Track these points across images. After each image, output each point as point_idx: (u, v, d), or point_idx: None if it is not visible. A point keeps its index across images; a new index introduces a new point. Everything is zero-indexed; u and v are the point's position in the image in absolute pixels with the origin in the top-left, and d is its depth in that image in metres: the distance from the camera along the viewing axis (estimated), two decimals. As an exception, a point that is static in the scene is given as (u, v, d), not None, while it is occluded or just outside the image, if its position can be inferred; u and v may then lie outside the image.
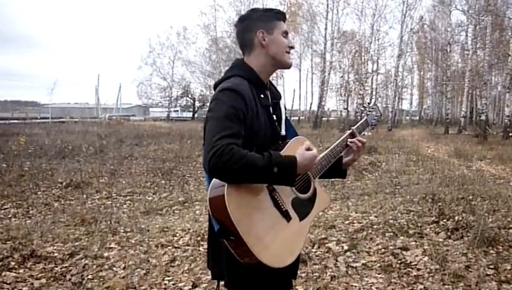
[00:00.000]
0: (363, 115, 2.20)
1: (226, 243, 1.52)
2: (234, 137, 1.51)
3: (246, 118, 1.60)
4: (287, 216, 1.61)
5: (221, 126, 1.52)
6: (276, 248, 1.55)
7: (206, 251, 4.07)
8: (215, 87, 1.71)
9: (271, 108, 1.76)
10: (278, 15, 1.78)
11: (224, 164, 1.43)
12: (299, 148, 1.65)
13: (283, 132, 1.81)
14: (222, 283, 1.74)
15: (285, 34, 1.78)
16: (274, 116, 1.77)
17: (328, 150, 1.89)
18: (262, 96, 1.73)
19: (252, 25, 1.75)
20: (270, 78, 1.85)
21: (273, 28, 1.74)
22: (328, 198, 1.93)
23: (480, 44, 25.49)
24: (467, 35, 26.68)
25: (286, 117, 1.87)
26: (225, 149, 1.44)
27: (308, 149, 1.65)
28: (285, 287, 1.76)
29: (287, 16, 1.91)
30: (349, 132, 2.00)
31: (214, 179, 1.51)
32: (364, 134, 2.16)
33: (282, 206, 1.61)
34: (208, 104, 1.47)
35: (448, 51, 29.10)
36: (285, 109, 1.92)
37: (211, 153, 1.46)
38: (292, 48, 1.80)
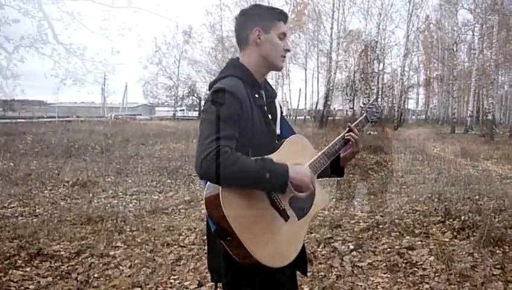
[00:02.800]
0: (362, 112, 2.15)
1: (224, 245, 1.48)
2: (227, 139, 1.47)
3: (241, 120, 1.56)
4: (284, 215, 1.58)
5: (215, 128, 1.48)
6: (274, 248, 1.52)
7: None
8: (210, 87, 1.68)
9: (266, 107, 1.73)
10: (279, 15, 1.74)
11: (216, 168, 1.39)
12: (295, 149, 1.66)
13: (278, 131, 1.77)
14: (220, 285, 1.71)
15: (283, 35, 1.73)
16: (269, 116, 1.73)
17: (326, 147, 1.84)
18: (256, 96, 1.69)
19: (250, 21, 1.71)
20: (269, 76, 1.80)
21: (271, 27, 1.70)
22: (327, 197, 1.90)
23: (487, 43, 25.38)
24: (473, 35, 26.59)
25: (282, 116, 1.83)
26: (218, 152, 1.41)
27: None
28: (286, 286, 1.69)
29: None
30: (347, 129, 1.94)
31: None
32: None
33: (280, 205, 1.57)
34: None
35: (455, 50, 28.87)
36: (281, 107, 1.88)
37: (203, 155, 1.42)
38: (288, 50, 1.76)
